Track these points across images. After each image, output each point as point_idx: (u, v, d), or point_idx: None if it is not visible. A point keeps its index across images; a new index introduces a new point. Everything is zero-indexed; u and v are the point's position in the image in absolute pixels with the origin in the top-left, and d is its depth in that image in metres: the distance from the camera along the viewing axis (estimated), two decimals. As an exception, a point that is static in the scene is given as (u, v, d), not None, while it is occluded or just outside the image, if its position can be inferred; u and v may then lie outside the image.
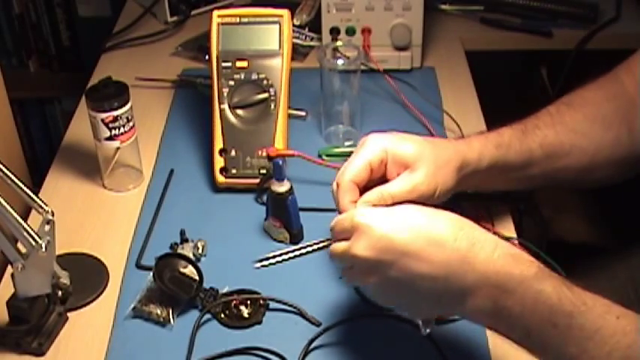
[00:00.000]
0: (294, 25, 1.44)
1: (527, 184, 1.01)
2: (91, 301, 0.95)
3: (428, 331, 0.82)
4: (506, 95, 1.78)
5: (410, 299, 0.77)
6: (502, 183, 0.98)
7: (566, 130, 0.97)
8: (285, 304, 0.93)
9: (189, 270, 0.95)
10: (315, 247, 1.01)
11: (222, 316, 0.92)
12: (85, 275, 0.98)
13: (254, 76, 1.11)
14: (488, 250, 0.73)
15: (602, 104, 1.00)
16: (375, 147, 0.85)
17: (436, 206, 0.80)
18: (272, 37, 1.12)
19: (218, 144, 1.10)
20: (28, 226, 0.84)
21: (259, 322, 0.92)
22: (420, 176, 0.84)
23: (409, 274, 0.74)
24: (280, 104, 1.10)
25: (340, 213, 0.83)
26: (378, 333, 0.90)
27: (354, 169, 0.84)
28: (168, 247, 1.00)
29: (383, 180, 0.86)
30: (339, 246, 0.79)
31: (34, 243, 0.84)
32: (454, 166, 0.89)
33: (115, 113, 1.06)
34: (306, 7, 1.48)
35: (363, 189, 0.84)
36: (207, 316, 0.92)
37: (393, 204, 0.81)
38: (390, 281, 0.76)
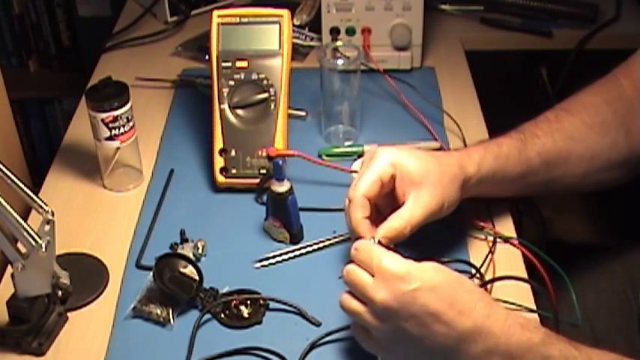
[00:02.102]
0: (294, 25, 1.44)
1: (526, 191, 1.01)
2: (91, 301, 0.95)
3: None
4: (506, 95, 1.78)
5: (417, 355, 0.77)
6: (500, 191, 0.99)
7: (563, 138, 0.97)
8: (285, 304, 0.93)
9: (189, 270, 0.95)
10: (315, 247, 1.01)
11: (222, 316, 0.92)
12: (85, 275, 0.98)
13: (254, 76, 1.11)
14: (501, 322, 0.74)
15: (601, 108, 0.99)
16: (384, 162, 0.87)
17: None
18: (272, 37, 1.12)
19: (218, 144, 1.10)
20: (28, 226, 0.84)
21: (259, 322, 0.92)
22: (428, 197, 0.86)
23: (423, 332, 0.74)
24: (280, 104, 1.10)
25: (353, 228, 0.85)
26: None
27: (365, 183, 0.85)
28: (168, 247, 1.00)
29: (389, 194, 0.88)
30: (358, 275, 0.77)
31: (34, 243, 0.84)
32: (459, 181, 0.90)
33: (115, 113, 1.06)
34: (306, 7, 1.48)
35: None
36: (207, 316, 0.92)
37: (411, 233, 0.84)
38: (400, 332, 0.76)
